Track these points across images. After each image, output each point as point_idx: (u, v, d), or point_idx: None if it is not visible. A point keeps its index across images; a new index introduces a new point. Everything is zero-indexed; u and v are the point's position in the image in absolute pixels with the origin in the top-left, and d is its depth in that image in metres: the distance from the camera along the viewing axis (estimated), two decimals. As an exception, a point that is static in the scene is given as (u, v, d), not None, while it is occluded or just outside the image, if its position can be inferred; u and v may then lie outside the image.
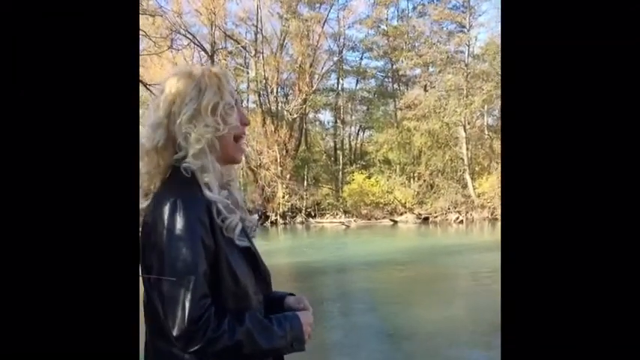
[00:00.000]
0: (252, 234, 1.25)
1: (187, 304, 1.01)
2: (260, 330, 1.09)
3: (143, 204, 1.13)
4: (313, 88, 28.30)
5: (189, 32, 24.75)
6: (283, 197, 25.92)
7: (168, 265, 1.03)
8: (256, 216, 1.33)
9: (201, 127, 1.13)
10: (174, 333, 1.01)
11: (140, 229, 1.10)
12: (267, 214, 25.73)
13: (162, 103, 1.16)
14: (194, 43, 25.36)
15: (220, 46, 27.65)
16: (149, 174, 1.16)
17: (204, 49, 26.03)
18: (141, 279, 1.09)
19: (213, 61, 25.98)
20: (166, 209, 1.05)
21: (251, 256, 1.17)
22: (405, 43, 29.76)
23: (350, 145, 32.12)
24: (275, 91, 28.39)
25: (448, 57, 27.56)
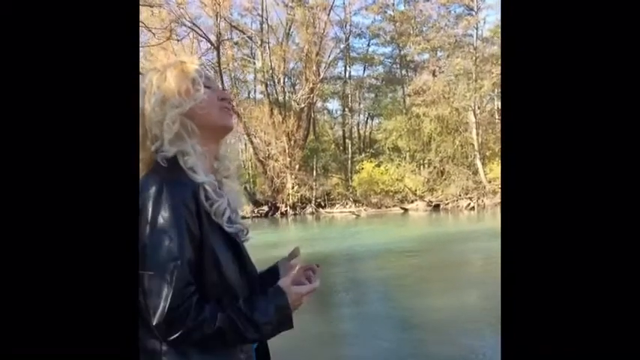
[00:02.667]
0: (243, 238, 1.22)
1: (169, 292, 1.00)
2: (242, 320, 1.06)
3: None
4: (320, 77, 28.14)
5: (194, 24, 24.69)
6: (293, 188, 25.90)
7: (151, 252, 1.01)
8: (249, 221, 1.30)
9: (170, 108, 1.13)
10: (154, 321, 1.00)
11: None
12: (277, 205, 25.76)
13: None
14: (199, 35, 25.30)
15: (226, 37, 27.52)
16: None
17: (209, 41, 25.93)
18: None
19: (219, 52, 25.90)
20: (150, 194, 1.03)
21: (237, 247, 1.14)
22: (413, 28, 29.41)
23: (359, 133, 31.97)
24: (282, 81, 28.30)
25: (456, 41, 27.21)
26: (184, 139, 1.13)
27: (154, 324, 1.00)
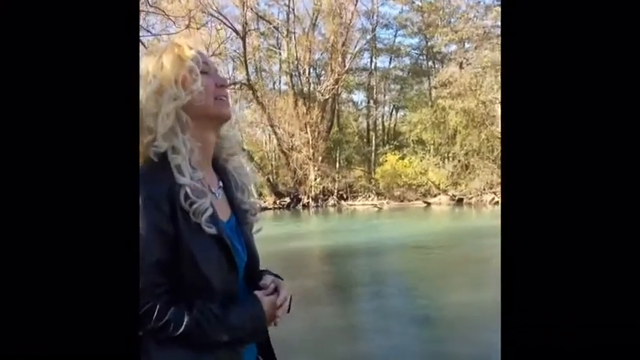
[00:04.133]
0: (251, 218, 1.22)
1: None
2: (212, 321, 1.04)
3: None
4: (346, 68, 28.03)
5: (220, 13, 24.81)
6: (315, 180, 25.95)
7: None
8: (259, 202, 1.26)
9: (166, 101, 1.09)
10: None
11: None
12: (299, 196, 25.86)
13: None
14: (226, 25, 25.39)
15: (252, 27, 27.58)
16: None
17: (235, 31, 26.02)
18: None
19: (244, 43, 25.99)
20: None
21: (222, 245, 1.09)
22: (440, 19, 29.01)
23: (383, 125, 31.79)
24: (307, 71, 28.25)
25: (485, 32, 26.72)
26: (177, 134, 1.09)
27: None
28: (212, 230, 1.07)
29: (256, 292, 1.15)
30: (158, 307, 1.01)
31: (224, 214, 1.15)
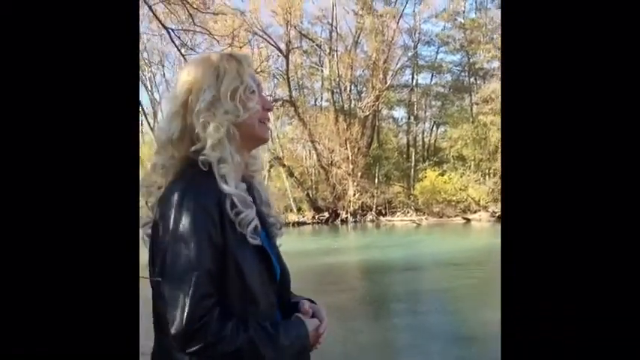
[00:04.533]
0: (276, 232, 1.21)
1: (187, 303, 0.95)
2: (265, 339, 1.01)
3: (154, 198, 1.10)
4: (387, 85, 28.10)
5: (265, 32, 25.47)
6: (354, 195, 25.96)
7: (170, 260, 0.98)
8: (282, 215, 1.19)
9: (221, 114, 1.08)
10: (172, 331, 0.96)
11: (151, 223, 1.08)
12: (338, 212, 25.93)
13: (178, 92, 1.11)
14: (270, 43, 26.02)
15: (296, 45, 28.14)
16: (164, 167, 1.11)
17: (279, 49, 26.63)
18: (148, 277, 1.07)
19: (288, 61, 26.54)
20: (174, 201, 1.00)
21: (264, 256, 1.09)
22: (483, 35, 28.74)
23: (423, 141, 31.56)
24: (348, 88, 28.49)
25: (528, 49, 26.18)
26: (225, 146, 1.08)
27: (172, 333, 0.96)
28: (257, 241, 1.06)
29: (298, 315, 1.13)
30: (213, 321, 0.97)
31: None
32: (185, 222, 0.98)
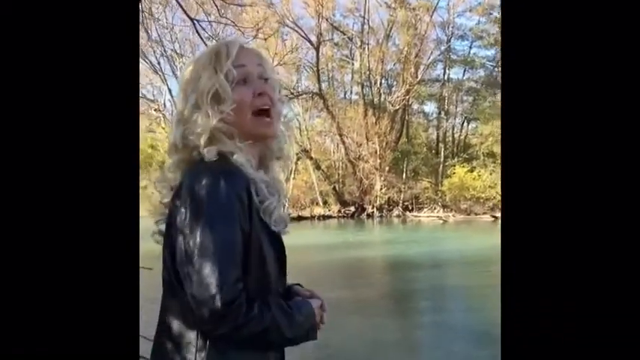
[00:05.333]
0: (282, 230, 1.18)
1: (223, 286, 0.94)
2: (284, 317, 1.02)
3: (168, 197, 1.08)
4: (418, 79, 27.80)
5: (296, 24, 25.49)
6: (381, 190, 25.90)
7: (203, 243, 0.96)
8: (288, 213, 1.18)
9: (203, 117, 1.05)
10: (205, 314, 0.94)
11: (167, 212, 1.07)
12: (364, 206, 25.89)
13: (178, 97, 1.12)
14: (300, 35, 26.05)
15: (327, 38, 28.08)
16: (176, 168, 1.10)
17: (309, 41, 26.62)
18: (162, 258, 1.05)
19: (318, 53, 26.52)
20: (203, 185, 0.98)
21: (280, 246, 1.09)
22: (518, 30, 28.06)
23: (453, 137, 31.16)
24: (378, 82, 28.31)
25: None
26: (225, 142, 1.05)
27: (205, 316, 0.95)
28: (278, 228, 1.06)
29: (299, 297, 1.14)
30: (244, 303, 0.97)
31: None
32: (219, 207, 0.97)
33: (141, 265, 1.09)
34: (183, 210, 0.99)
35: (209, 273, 0.95)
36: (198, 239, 0.96)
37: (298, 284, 1.22)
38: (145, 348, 1.13)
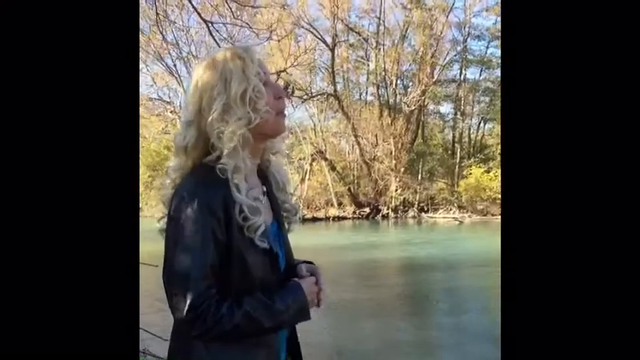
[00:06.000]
0: (292, 219, 1.26)
1: (190, 294, 1.01)
2: (260, 309, 1.06)
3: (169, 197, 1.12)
4: (434, 80, 27.63)
5: (312, 26, 25.52)
6: (396, 191, 25.77)
7: (175, 254, 1.04)
8: (299, 202, 1.15)
9: (234, 121, 1.09)
10: (177, 319, 1.05)
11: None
12: (379, 207, 25.79)
13: (190, 101, 1.13)
14: (316, 37, 26.06)
15: (342, 39, 28.05)
16: (181, 169, 1.14)
17: (324, 42, 26.62)
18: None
19: (333, 54, 26.50)
20: (184, 196, 1.04)
21: (270, 256, 1.14)
22: (536, 30, 27.73)
23: (469, 137, 30.89)
24: (394, 83, 28.21)
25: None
26: (239, 152, 1.09)
27: (178, 321, 1.05)
28: (264, 245, 1.10)
29: (294, 279, 1.17)
30: (212, 307, 1.02)
31: (267, 218, 1.16)
32: (192, 218, 1.03)
33: (150, 262, 1.12)
34: (170, 218, 1.06)
35: (177, 283, 1.03)
36: (175, 250, 1.04)
37: (307, 261, 1.26)
38: (149, 343, 1.14)
